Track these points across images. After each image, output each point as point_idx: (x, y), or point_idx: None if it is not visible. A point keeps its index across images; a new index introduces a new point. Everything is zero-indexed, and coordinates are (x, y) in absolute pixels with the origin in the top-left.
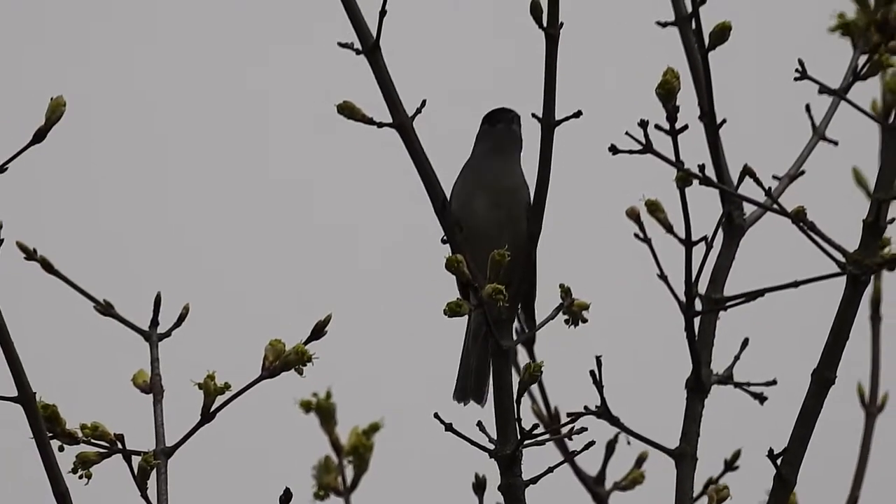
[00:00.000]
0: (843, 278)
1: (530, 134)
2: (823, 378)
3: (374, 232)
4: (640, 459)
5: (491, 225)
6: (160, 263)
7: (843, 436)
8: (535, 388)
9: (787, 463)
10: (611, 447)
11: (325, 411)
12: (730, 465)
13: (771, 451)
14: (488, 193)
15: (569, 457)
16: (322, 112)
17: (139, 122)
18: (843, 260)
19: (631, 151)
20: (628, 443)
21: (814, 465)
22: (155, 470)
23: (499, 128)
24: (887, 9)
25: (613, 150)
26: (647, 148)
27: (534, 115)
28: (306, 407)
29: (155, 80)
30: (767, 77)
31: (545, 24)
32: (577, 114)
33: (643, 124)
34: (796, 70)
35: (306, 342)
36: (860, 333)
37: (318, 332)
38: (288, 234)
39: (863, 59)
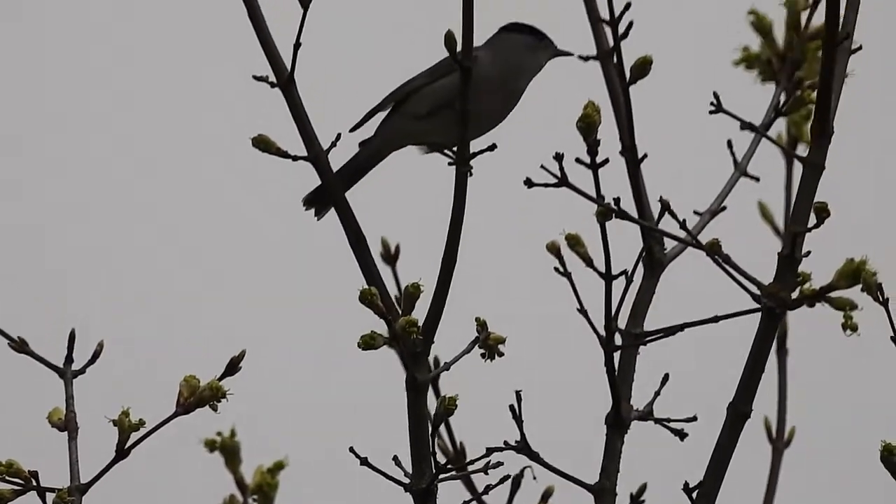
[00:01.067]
0: None
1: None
2: (739, 412)
3: (291, 265)
4: (546, 494)
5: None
6: (75, 299)
7: (756, 470)
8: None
9: (703, 496)
10: (517, 481)
11: (229, 450)
12: (636, 500)
13: (686, 484)
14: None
15: (476, 495)
16: (238, 144)
17: (58, 151)
18: (758, 293)
19: (546, 185)
20: (534, 478)
21: (729, 499)
22: None
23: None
24: (791, 42)
25: (529, 183)
26: (563, 181)
27: (448, 155)
28: (210, 446)
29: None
30: (690, 111)
31: (460, 57)
32: (492, 147)
33: (559, 157)
34: (711, 104)
35: (221, 378)
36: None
37: (233, 367)
38: (208, 269)
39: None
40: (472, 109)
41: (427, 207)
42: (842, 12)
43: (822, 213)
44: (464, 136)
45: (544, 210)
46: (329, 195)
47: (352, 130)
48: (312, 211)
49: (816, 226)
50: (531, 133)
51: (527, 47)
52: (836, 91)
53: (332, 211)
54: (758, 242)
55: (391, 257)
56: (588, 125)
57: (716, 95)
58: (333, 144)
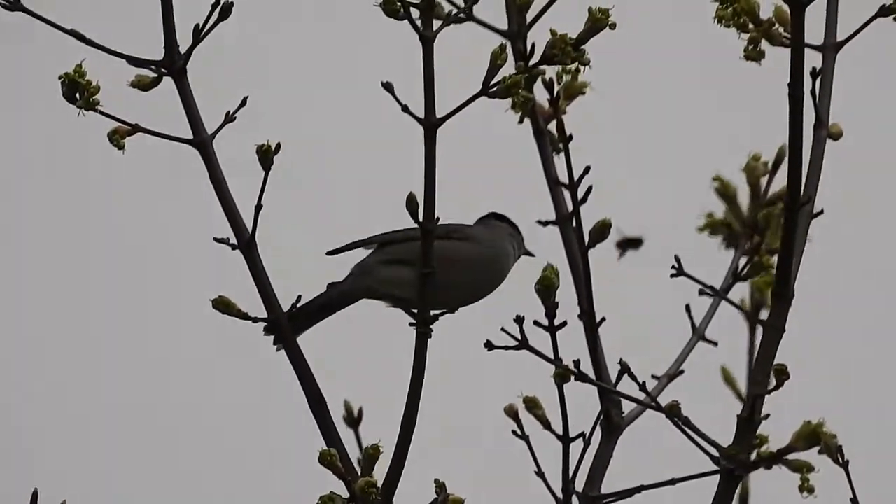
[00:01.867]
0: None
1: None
2: None
3: (253, 426)
4: None
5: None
6: None
7: None
8: None
9: None
10: None
11: None
12: None
13: None
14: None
15: None
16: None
17: None
18: (717, 455)
19: (507, 347)
20: None
21: None
22: None
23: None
24: (755, 208)
25: (489, 346)
26: (523, 344)
27: (411, 325)
28: None
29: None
30: (650, 274)
31: (421, 219)
32: (451, 310)
33: (519, 320)
34: (672, 267)
35: None
36: None
37: None
38: (163, 426)
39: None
40: (469, 279)
41: (390, 367)
42: (804, 177)
43: (782, 375)
44: (423, 300)
45: (501, 374)
46: (287, 347)
47: (329, 254)
48: (272, 339)
49: (776, 388)
50: (491, 295)
51: (511, 237)
52: (797, 254)
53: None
54: (717, 404)
55: (354, 420)
56: (546, 288)
57: (677, 259)
58: (293, 307)
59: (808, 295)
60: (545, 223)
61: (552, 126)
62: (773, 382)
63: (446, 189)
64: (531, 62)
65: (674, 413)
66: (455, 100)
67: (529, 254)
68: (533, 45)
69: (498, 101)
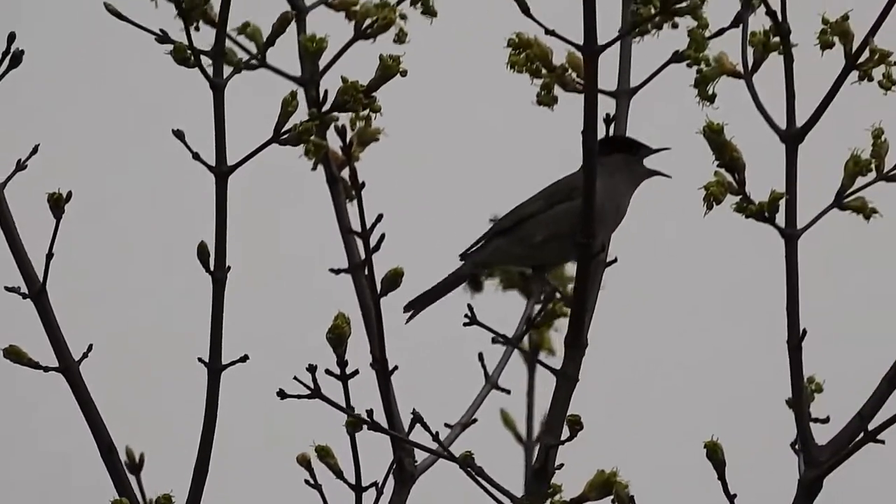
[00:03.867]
0: None
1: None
2: None
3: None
4: None
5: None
6: None
7: None
8: None
9: None
10: None
11: None
12: None
13: None
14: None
15: None
16: None
17: None
18: None
19: (299, 396)
20: None
21: None
22: None
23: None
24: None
25: (282, 394)
26: (316, 393)
27: (200, 360)
28: None
29: None
30: (445, 322)
31: (212, 268)
32: (244, 358)
33: (311, 369)
34: (466, 316)
35: None
36: None
37: None
38: None
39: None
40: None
41: (182, 415)
42: None
43: (576, 425)
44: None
45: (294, 423)
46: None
47: (462, 257)
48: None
49: (570, 438)
50: (284, 343)
51: (624, 164)
52: (590, 303)
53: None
54: (512, 453)
55: (136, 466)
56: (338, 337)
57: (470, 308)
58: (85, 355)
59: (604, 343)
60: (337, 271)
61: (345, 173)
62: (567, 433)
63: (239, 237)
64: (323, 109)
65: (467, 463)
66: (251, 146)
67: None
68: (325, 92)
69: (292, 148)
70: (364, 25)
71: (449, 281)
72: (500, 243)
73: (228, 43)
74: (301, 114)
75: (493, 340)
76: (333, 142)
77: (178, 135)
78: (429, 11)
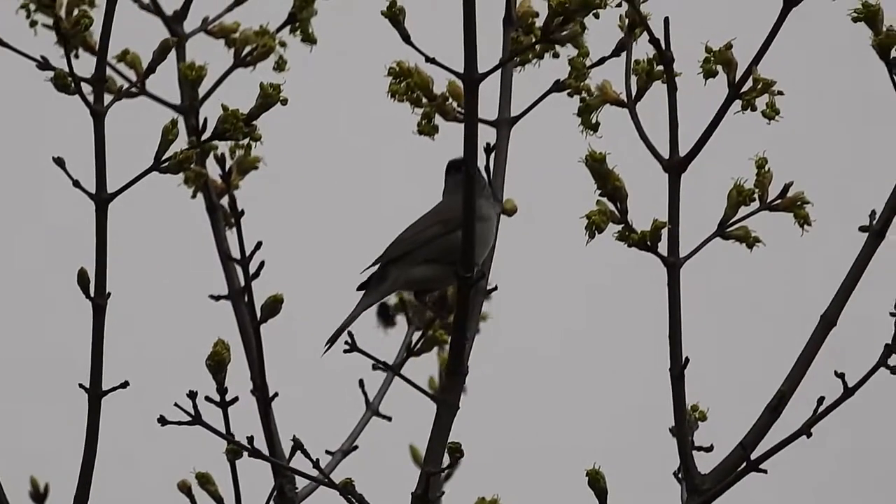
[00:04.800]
0: None
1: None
2: None
3: None
4: None
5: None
6: None
7: None
8: None
9: None
10: None
11: None
12: None
13: None
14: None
15: None
16: None
17: None
18: None
19: (180, 423)
20: None
21: None
22: None
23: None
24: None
25: (163, 421)
26: (197, 419)
27: (81, 386)
28: None
29: None
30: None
31: (92, 294)
32: (124, 384)
33: (192, 395)
34: (346, 343)
35: None
36: None
37: None
38: None
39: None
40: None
41: (62, 441)
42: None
43: (456, 453)
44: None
45: (175, 449)
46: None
47: (360, 288)
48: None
49: (450, 466)
50: (164, 369)
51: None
52: (471, 330)
53: None
54: (393, 481)
55: (40, 496)
56: (217, 363)
57: (351, 335)
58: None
59: (486, 370)
60: (217, 297)
61: (225, 201)
62: (447, 460)
63: (119, 264)
64: (203, 137)
65: (347, 490)
66: (131, 173)
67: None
68: (205, 120)
69: (172, 176)
70: (244, 53)
71: (356, 314)
72: (400, 267)
73: (108, 70)
74: (181, 141)
75: (374, 367)
76: (213, 170)
77: (59, 162)
78: (308, 39)
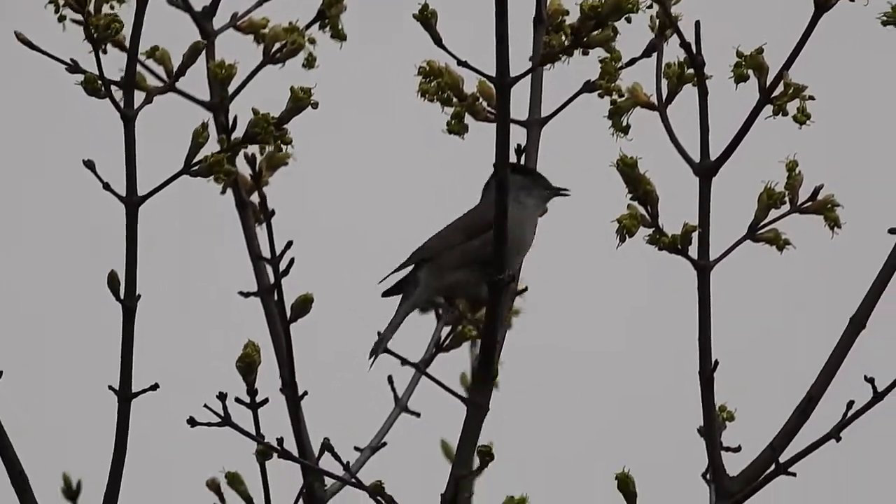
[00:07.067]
0: None
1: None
2: None
3: None
4: None
5: None
6: None
7: None
8: None
9: None
10: None
11: None
12: None
13: None
14: None
15: None
16: None
17: None
18: None
19: (210, 424)
20: None
21: None
22: None
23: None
24: None
25: (192, 422)
26: (226, 421)
27: (111, 388)
28: None
29: None
30: (355, 347)
31: (122, 297)
32: (154, 386)
33: (222, 397)
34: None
35: None
36: None
37: None
38: None
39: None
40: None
41: (92, 443)
42: None
43: (486, 456)
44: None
45: (204, 449)
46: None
47: (381, 283)
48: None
49: (480, 469)
50: (195, 370)
51: (523, 190)
52: (501, 331)
53: None
54: (421, 478)
55: (73, 493)
56: (248, 365)
57: (379, 334)
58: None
59: (517, 373)
60: (247, 294)
61: (255, 198)
62: (477, 463)
63: (148, 264)
64: (233, 138)
65: (377, 492)
66: (160, 173)
67: (560, 192)
68: (235, 118)
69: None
70: (273, 50)
71: (396, 323)
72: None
73: (138, 67)
74: (211, 141)
75: (403, 364)
76: (243, 166)
77: (89, 165)
78: (338, 35)
